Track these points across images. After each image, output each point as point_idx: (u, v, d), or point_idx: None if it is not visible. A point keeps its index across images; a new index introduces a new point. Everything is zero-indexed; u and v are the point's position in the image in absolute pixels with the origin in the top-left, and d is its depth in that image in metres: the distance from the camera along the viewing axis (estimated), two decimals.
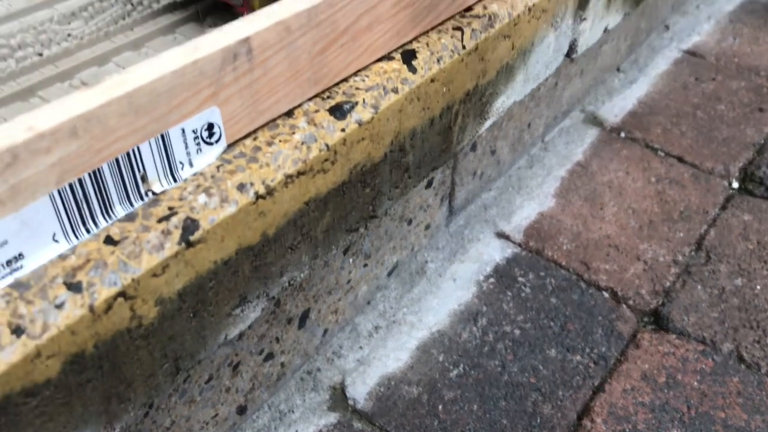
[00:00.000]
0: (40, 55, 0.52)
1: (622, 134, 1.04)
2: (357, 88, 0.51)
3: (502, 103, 0.65)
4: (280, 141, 0.47)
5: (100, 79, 0.50)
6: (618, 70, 1.14)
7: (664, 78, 1.14)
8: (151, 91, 0.40)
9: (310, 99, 0.50)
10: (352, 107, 0.50)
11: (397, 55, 0.54)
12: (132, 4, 0.56)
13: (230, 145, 0.46)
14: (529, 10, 0.62)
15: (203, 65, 0.42)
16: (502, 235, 0.88)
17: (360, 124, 0.50)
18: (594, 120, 1.06)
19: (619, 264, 0.84)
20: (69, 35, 0.53)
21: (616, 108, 1.08)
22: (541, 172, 0.98)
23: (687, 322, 0.75)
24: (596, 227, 0.89)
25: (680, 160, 0.99)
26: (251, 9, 0.50)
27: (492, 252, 0.87)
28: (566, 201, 0.93)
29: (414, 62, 0.54)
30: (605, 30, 0.77)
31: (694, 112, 1.07)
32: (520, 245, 0.87)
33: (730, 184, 0.94)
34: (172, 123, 0.42)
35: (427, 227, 0.84)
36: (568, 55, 0.71)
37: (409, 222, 0.78)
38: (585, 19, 0.71)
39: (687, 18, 1.27)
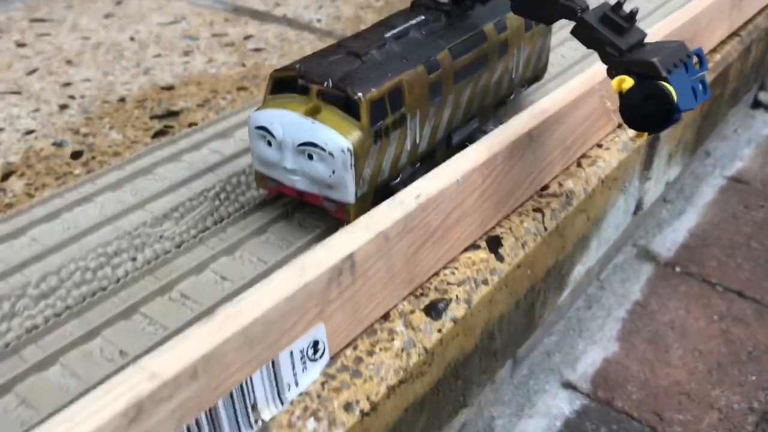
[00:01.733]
0: (134, 259, 0.52)
1: (678, 269, 1.03)
2: (449, 283, 0.51)
3: (578, 272, 0.64)
4: (380, 349, 0.46)
5: (200, 289, 0.50)
6: (665, 200, 1.15)
7: (712, 207, 1.13)
8: (265, 321, 0.40)
9: (404, 298, 0.50)
10: (447, 305, 0.49)
11: (483, 243, 0.54)
12: (219, 200, 0.58)
13: (332, 357, 0.46)
14: (602, 181, 0.63)
15: (312, 287, 0.42)
16: (568, 385, 0.86)
17: (455, 321, 0.49)
18: (647, 255, 1.06)
19: (693, 413, 0.81)
20: (161, 237, 0.54)
21: (667, 241, 1.08)
22: (601, 313, 0.96)
23: None
24: (664, 373, 0.87)
25: (740, 294, 0.97)
26: (346, 214, 0.51)
27: (560, 404, 0.84)
28: (630, 345, 0.91)
29: (500, 250, 0.54)
30: (667, 183, 0.78)
31: (748, 242, 1.06)
32: (588, 396, 0.85)
33: None
34: (282, 347, 0.42)
35: (493, 381, 0.82)
36: (634, 212, 0.72)
37: None
38: (650, 178, 0.72)
39: (727, 143, 1.28)
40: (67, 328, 0.46)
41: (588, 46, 0.50)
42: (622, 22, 0.49)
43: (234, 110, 0.71)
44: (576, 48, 0.84)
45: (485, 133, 0.62)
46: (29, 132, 0.72)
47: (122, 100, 0.77)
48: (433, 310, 0.49)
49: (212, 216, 0.56)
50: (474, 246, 0.54)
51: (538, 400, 0.85)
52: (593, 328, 0.95)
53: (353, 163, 0.48)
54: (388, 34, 0.53)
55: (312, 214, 0.56)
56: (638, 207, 0.71)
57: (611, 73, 0.49)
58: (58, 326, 0.46)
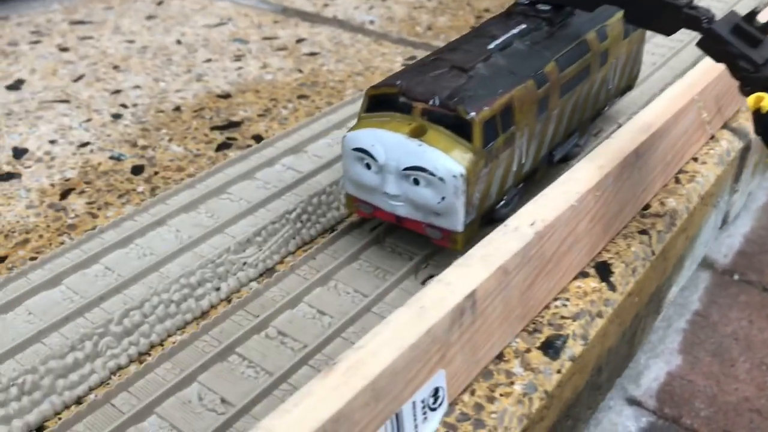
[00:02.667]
0: (218, 289, 0.48)
1: (736, 276, 0.98)
2: (562, 317, 0.46)
3: (672, 293, 0.59)
4: (500, 395, 0.41)
5: (298, 325, 0.45)
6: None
7: (766, 211, 1.09)
8: (392, 372, 0.35)
9: (516, 335, 0.45)
10: (564, 343, 0.45)
11: (591, 270, 0.50)
12: (301, 222, 0.53)
13: (450, 404, 0.41)
14: (702, 198, 0.58)
15: (434, 331, 0.37)
16: (633, 401, 0.81)
17: (573, 360, 0.44)
18: (704, 261, 1.01)
19: None
20: (244, 263, 0.49)
21: (723, 247, 1.03)
22: (661, 324, 0.91)
23: None
24: (731, 388, 0.82)
25: None
26: (452, 242, 0.46)
27: (626, 422, 0.79)
28: (694, 358, 0.86)
29: (611, 278, 0.49)
30: (749, 194, 0.73)
31: None
32: (654, 413, 0.80)
33: None
34: (405, 398, 0.37)
35: None
36: (720, 227, 0.67)
37: None
38: (737, 190, 0.67)
39: None
40: (159, 372, 0.41)
41: (717, 60, 0.45)
42: (756, 33, 0.44)
43: (300, 123, 0.66)
44: (653, 53, 0.79)
45: (581, 147, 0.57)
46: (83, 144, 0.66)
47: (177, 109, 0.72)
48: (551, 348, 0.44)
49: (294, 239, 0.51)
50: (583, 274, 0.49)
51: (603, 418, 0.81)
52: (654, 340, 0.90)
53: (465, 188, 0.43)
54: (491, 46, 0.48)
55: (404, 238, 0.51)
56: (725, 221, 0.67)
57: (745, 90, 0.44)
58: (149, 370, 0.41)
